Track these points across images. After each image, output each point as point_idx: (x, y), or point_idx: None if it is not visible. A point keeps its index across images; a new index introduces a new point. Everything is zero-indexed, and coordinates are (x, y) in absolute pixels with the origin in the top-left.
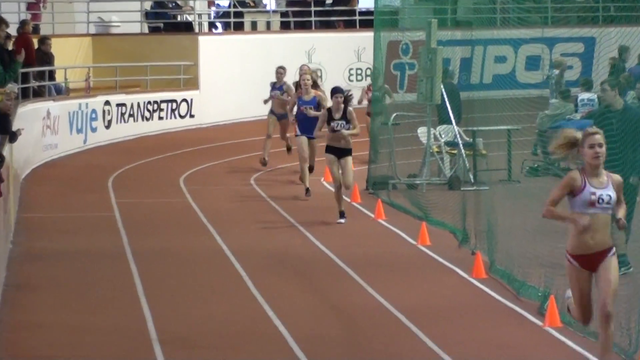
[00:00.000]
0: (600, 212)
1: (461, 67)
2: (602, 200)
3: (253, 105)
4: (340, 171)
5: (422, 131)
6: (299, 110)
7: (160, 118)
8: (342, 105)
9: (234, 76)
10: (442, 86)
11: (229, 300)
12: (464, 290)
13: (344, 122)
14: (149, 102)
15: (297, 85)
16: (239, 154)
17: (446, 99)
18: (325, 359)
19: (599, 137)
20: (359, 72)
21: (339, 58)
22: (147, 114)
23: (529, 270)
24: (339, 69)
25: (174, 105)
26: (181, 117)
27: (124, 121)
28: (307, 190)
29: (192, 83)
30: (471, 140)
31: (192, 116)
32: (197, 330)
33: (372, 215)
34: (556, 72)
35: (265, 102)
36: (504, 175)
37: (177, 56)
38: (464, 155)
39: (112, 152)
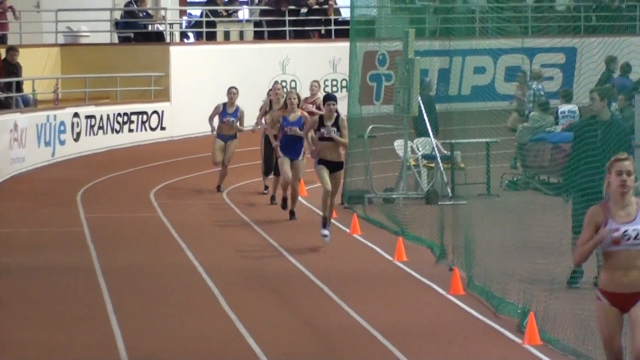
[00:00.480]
0: (629, 248)
1: (439, 78)
2: (629, 236)
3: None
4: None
5: (398, 144)
6: (283, 131)
7: (131, 130)
8: (335, 114)
9: (206, 87)
10: (419, 98)
11: (200, 317)
12: (441, 308)
13: (335, 129)
14: (119, 114)
15: (283, 104)
16: (212, 167)
17: (423, 111)
18: None
19: (628, 164)
20: (335, 83)
21: (313, 69)
22: (117, 127)
23: (508, 287)
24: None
25: (145, 117)
26: (152, 129)
27: (94, 134)
28: (291, 213)
29: (163, 94)
30: (449, 153)
31: (163, 128)
32: (167, 348)
33: (348, 230)
34: (535, 84)
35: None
36: (483, 189)
37: (148, 67)
38: (442, 168)
39: (81, 165)
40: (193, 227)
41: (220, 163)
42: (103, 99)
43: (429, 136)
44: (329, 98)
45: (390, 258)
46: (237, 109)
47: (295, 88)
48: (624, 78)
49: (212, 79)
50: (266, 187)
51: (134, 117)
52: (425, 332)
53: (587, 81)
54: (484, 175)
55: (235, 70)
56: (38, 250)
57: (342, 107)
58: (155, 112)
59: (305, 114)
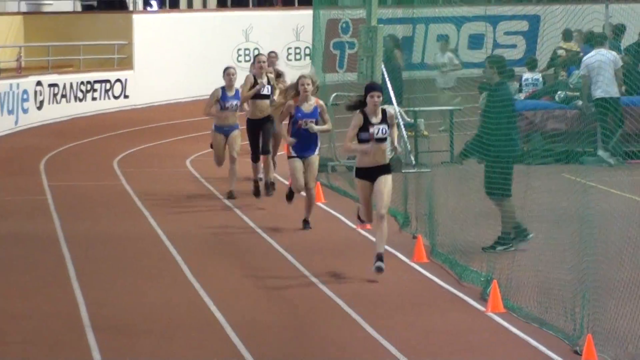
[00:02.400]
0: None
1: (402, 46)
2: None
3: (189, 85)
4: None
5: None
6: (296, 124)
7: (94, 99)
8: (380, 108)
9: (170, 55)
10: (382, 65)
11: (163, 285)
12: (404, 275)
13: (386, 127)
14: (82, 83)
15: (294, 91)
16: (175, 135)
17: (387, 79)
18: (262, 345)
19: None
20: (298, 51)
21: (277, 37)
22: (80, 95)
23: (472, 255)
24: (277, 49)
25: (108, 85)
26: (115, 97)
27: (57, 102)
28: (305, 221)
29: (126, 63)
30: (413, 121)
31: (126, 97)
32: (131, 316)
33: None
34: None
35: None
36: (446, 157)
37: (111, 35)
38: (405, 136)
39: (44, 133)
40: (156, 195)
41: (230, 159)
42: (66, 67)
43: (392, 104)
44: (372, 88)
45: (354, 226)
46: (237, 91)
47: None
48: (588, 46)
49: (175, 47)
50: (257, 191)
51: (97, 86)
52: (389, 300)
53: (551, 49)
54: (447, 143)
55: (198, 38)
56: (1, 219)
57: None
58: (118, 80)
59: (321, 102)
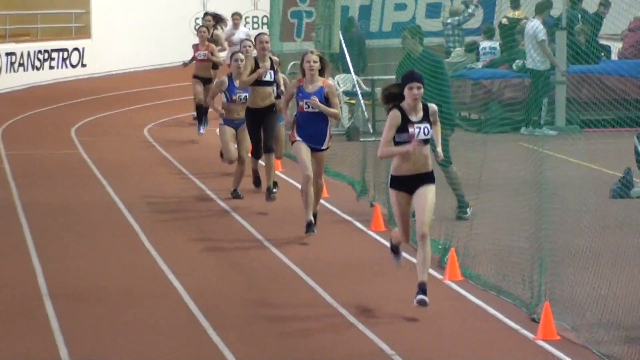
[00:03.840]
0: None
1: (360, 14)
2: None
3: (147, 53)
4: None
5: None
6: (298, 107)
7: (51, 67)
8: (421, 104)
9: (127, 24)
10: (340, 34)
11: (121, 254)
12: (362, 244)
13: (428, 126)
14: (40, 51)
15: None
16: (133, 104)
17: (344, 47)
18: (221, 313)
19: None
20: (256, 20)
21: (234, 6)
22: (37, 64)
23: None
24: None
25: (65, 54)
26: (72, 66)
27: (14, 71)
28: (310, 224)
29: (84, 31)
30: (370, 89)
31: (84, 65)
32: (89, 285)
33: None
34: (455, 18)
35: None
36: None
37: (68, 4)
38: (363, 105)
39: (2, 102)
40: (114, 164)
41: (237, 159)
42: (23, 36)
43: (350, 72)
44: (412, 78)
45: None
46: None
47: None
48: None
49: (132, 16)
50: (257, 180)
51: (54, 54)
52: (347, 268)
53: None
54: None
55: (156, 7)
56: None
57: None
58: (76, 49)
59: (330, 83)
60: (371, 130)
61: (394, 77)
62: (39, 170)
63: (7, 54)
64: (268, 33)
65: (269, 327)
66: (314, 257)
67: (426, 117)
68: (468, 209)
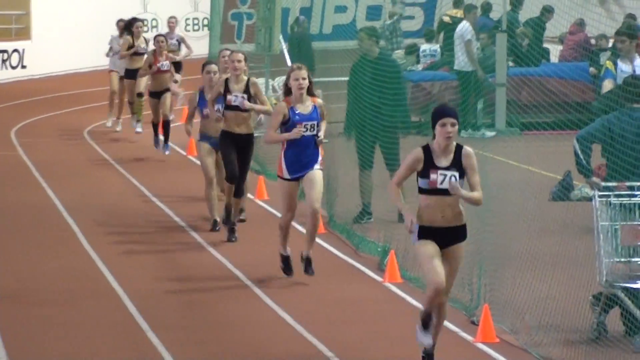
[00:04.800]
0: None
1: (295, 16)
2: None
3: (87, 55)
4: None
5: (259, 82)
6: (292, 130)
7: None
8: (454, 144)
9: (67, 26)
10: (280, 36)
11: (61, 255)
12: (302, 244)
13: (456, 175)
14: None
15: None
16: (73, 105)
17: (285, 50)
18: (159, 314)
19: None
20: (196, 22)
21: (175, 7)
22: None
23: (369, 226)
24: None
25: (5, 55)
26: (12, 67)
27: None
28: (288, 265)
29: (24, 33)
30: None
31: (23, 67)
32: (28, 286)
33: None
34: (389, 21)
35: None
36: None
37: (8, 5)
38: None
39: None
40: (54, 165)
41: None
42: None
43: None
44: (445, 113)
45: (252, 197)
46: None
47: (157, 27)
48: (485, 17)
49: (73, 18)
50: (228, 215)
51: None
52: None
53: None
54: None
55: (95, 9)
56: None
57: (203, 45)
58: (15, 50)
59: (320, 101)
60: None
61: (335, 79)
62: None
63: None
64: (242, 52)
65: (208, 330)
66: (253, 260)
67: (457, 163)
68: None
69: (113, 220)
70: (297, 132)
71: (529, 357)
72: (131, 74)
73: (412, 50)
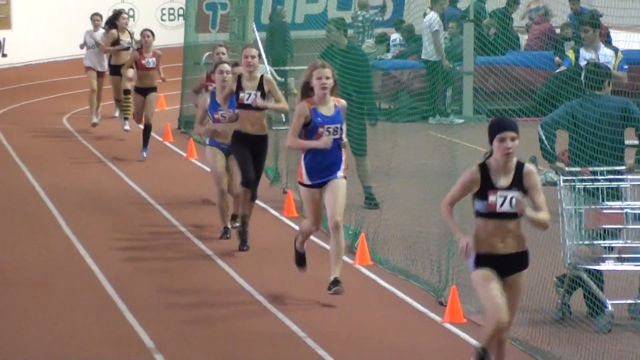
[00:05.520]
0: None
1: (273, 6)
2: None
3: (66, 44)
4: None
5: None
6: (314, 133)
7: None
8: (514, 161)
9: (47, 15)
10: (254, 25)
11: (39, 237)
12: (274, 228)
13: (517, 196)
14: None
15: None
16: (53, 93)
17: (258, 38)
18: (136, 293)
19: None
20: (172, 12)
21: None
22: None
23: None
24: (150, 9)
25: None
26: None
27: None
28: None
29: (4, 22)
30: (283, 79)
31: (4, 55)
32: (7, 268)
33: (184, 154)
34: (363, 13)
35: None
36: None
37: None
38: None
39: None
40: (34, 150)
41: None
42: None
43: (263, 63)
44: (506, 126)
45: None
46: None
47: (133, 17)
48: (453, 7)
49: (51, 6)
50: (234, 220)
51: None
52: (259, 252)
53: (418, 9)
54: None
55: None
56: None
57: (179, 35)
58: None
59: (343, 102)
60: (284, 119)
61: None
62: None
63: None
64: (255, 48)
65: (184, 311)
66: (226, 242)
67: (518, 182)
68: (376, 202)
69: (92, 203)
70: (325, 141)
71: None
72: (116, 70)
73: (382, 39)
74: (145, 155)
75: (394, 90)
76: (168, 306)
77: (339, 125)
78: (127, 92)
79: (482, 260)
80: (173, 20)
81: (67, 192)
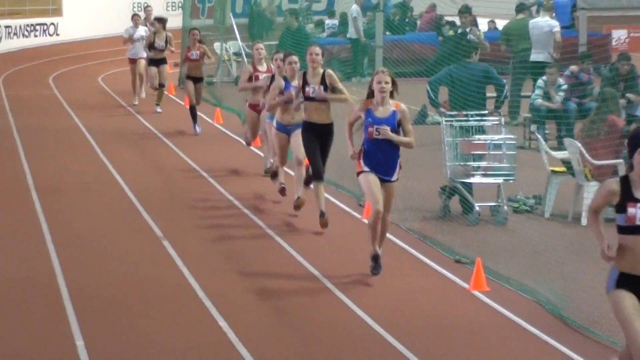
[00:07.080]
0: None
1: None
2: None
3: (104, 25)
4: None
5: (217, 45)
6: (367, 132)
7: (36, 36)
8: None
9: (89, 4)
10: (230, 13)
11: (82, 159)
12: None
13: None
14: (28, 25)
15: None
16: (92, 60)
17: (234, 23)
18: (151, 201)
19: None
20: (174, 4)
21: None
22: (26, 33)
23: (345, 172)
24: (160, 2)
25: (45, 27)
26: (50, 35)
27: (10, 38)
28: (376, 258)
29: (58, 12)
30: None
31: (57, 35)
32: (58, 179)
33: (182, 103)
34: (307, 4)
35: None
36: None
37: None
38: (246, 61)
39: (2, 60)
40: (78, 101)
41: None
42: (17, 14)
43: (237, 40)
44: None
45: (211, 121)
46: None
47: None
48: (368, 1)
49: None
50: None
51: (38, 27)
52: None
53: (345, 1)
54: None
55: None
56: None
57: (179, 20)
58: (52, 23)
59: (403, 107)
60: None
61: (269, 42)
62: (27, 105)
63: (6, 27)
64: (320, 45)
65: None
66: (214, 161)
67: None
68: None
69: (120, 138)
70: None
71: (397, 229)
72: (154, 63)
73: (319, 24)
74: (199, 130)
75: (328, 59)
76: (185, 214)
77: (389, 128)
78: (162, 85)
79: (623, 280)
80: (175, 10)
81: (102, 129)
